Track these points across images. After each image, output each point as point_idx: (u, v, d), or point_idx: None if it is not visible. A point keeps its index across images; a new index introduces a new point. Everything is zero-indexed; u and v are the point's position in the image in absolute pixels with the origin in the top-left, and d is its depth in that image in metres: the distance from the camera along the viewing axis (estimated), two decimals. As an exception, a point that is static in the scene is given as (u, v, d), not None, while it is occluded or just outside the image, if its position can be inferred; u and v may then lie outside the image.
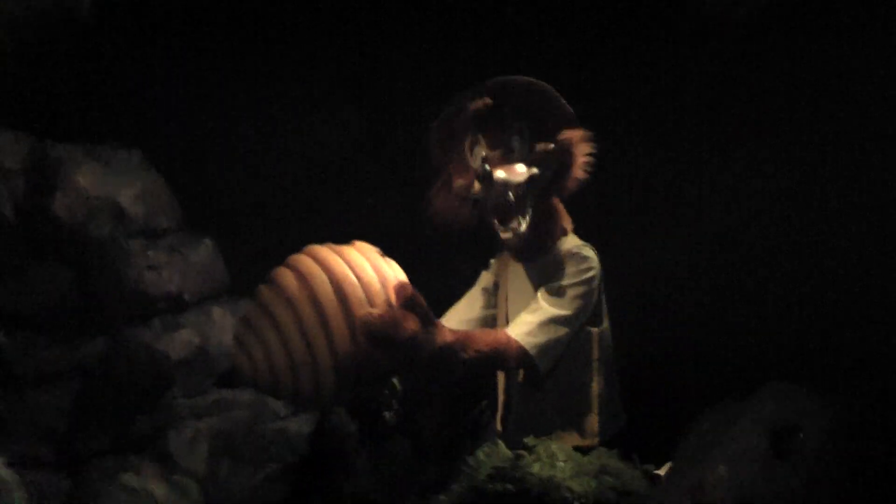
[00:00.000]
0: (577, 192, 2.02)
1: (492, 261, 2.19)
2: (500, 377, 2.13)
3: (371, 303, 1.73)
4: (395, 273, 1.80)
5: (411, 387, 2.13)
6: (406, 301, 1.76)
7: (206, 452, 2.34)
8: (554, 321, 1.96)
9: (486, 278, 2.19)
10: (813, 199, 2.36)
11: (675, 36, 2.45)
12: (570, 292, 1.99)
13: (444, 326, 1.86)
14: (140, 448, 2.30)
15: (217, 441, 2.37)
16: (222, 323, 2.49)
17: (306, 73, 2.67)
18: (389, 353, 1.74)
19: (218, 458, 2.35)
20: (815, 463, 1.67)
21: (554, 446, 1.83)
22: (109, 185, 2.41)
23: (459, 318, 2.14)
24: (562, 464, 1.78)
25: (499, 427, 2.11)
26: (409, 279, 1.81)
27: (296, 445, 2.40)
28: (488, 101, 2.00)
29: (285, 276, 1.75)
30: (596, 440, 1.98)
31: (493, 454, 1.82)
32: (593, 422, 2.01)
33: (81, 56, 2.46)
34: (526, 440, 1.86)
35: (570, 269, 2.01)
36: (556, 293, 1.99)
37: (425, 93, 2.23)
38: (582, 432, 2.01)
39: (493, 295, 2.17)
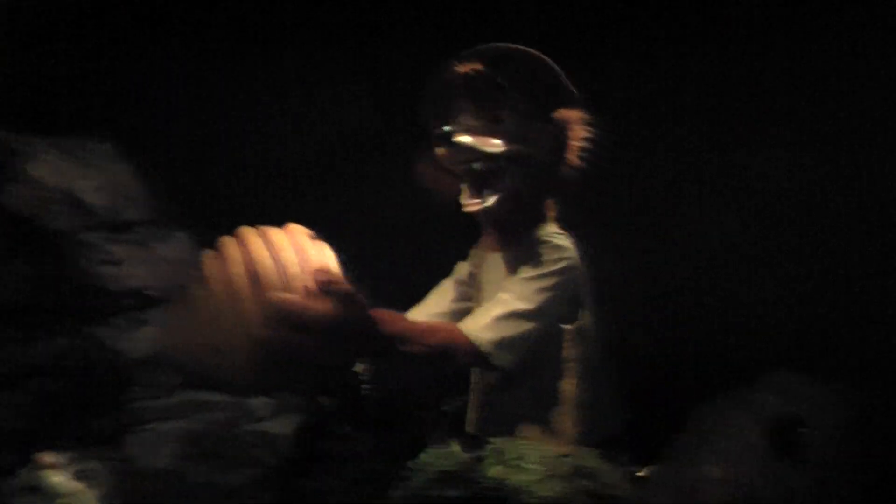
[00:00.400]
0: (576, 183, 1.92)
1: (471, 251, 2.08)
2: (473, 375, 2.02)
3: (286, 286, 1.61)
4: (321, 258, 1.67)
5: (381, 380, 2.05)
6: (324, 286, 1.61)
7: (171, 455, 2.22)
8: (514, 315, 1.83)
9: (462, 269, 2.08)
10: (816, 189, 2.35)
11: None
12: (536, 284, 1.86)
13: (388, 316, 1.72)
14: (99, 451, 2.18)
15: (188, 443, 2.25)
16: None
17: (310, 60, 2.62)
18: (307, 338, 1.60)
19: (190, 461, 2.24)
20: (823, 460, 1.57)
21: (524, 448, 1.72)
22: (68, 176, 2.30)
23: (428, 311, 2.03)
24: (531, 466, 1.66)
25: (469, 428, 2.01)
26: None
27: (277, 448, 2.28)
28: (478, 66, 1.90)
29: (208, 256, 1.67)
30: (570, 447, 1.82)
31: (441, 456, 1.69)
32: (567, 426, 1.89)
33: (64, 45, 2.44)
34: (494, 441, 1.75)
35: (539, 258, 1.88)
36: (521, 284, 1.86)
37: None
38: (557, 437, 1.89)
39: (470, 287, 2.05)
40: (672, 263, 2.46)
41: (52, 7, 2.42)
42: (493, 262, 2.00)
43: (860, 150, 2.32)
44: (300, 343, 1.59)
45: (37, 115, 2.40)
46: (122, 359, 2.23)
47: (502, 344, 1.82)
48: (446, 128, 1.87)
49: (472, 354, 1.81)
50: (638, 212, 2.51)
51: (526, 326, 1.84)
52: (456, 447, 1.73)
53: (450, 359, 1.81)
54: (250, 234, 1.66)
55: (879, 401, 1.68)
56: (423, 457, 1.71)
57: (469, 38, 2.53)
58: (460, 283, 2.08)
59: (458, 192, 1.96)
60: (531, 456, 1.69)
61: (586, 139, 1.93)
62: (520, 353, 1.84)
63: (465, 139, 1.87)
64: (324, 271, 1.63)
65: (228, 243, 1.65)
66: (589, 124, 1.93)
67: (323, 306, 1.59)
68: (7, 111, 2.36)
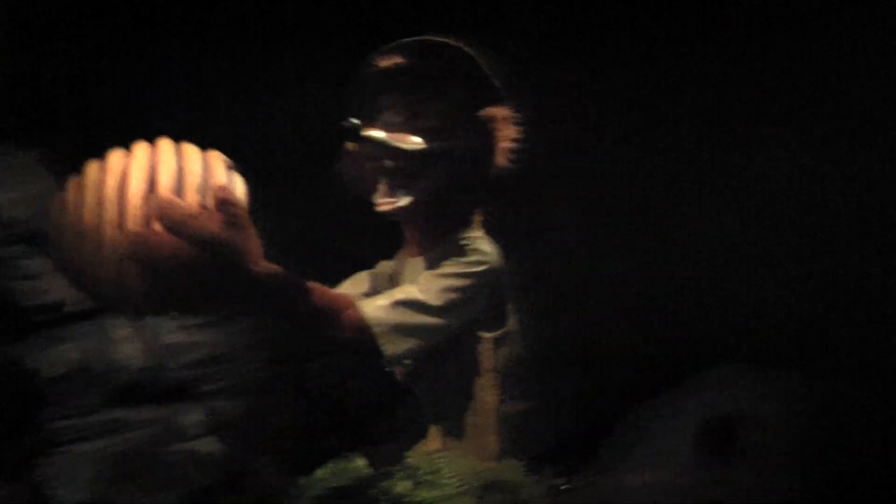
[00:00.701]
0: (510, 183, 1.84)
1: (398, 253, 2.01)
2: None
3: (181, 193, 1.49)
4: (231, 183, 1.56)
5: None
6: (220, 203, 1.49)
7: (89, 478, 2.10)
8: (413, 305, 1.74)
9: (384, 267, 2.00)
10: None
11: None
12: (445, 282, 1.77)
13: (279, 269, 1.58)
14: (12, 477, 2.08)
15: (109, 465, 2.12)
16: (117, 335, 2.18)
17: (278, 63, 2.57)
18: (186, 248, 1.45)
19: (111, 484, 2.11)
20: (767, 460, 1.48)
21: (442, 462, 1.65)
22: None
23: None
24: (446, 481, 1.59)
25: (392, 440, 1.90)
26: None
27: (207, 467, 2.15)
28: (399, 60, 1.84)
29: (115, 152, 1.56)
30: (493, 461, 1.77)
31: (340, 472, 1.63)
32: (491, 440, 1.81)
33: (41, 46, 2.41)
34: (410, 454, 1.69)
35: (454, 259, 1.81)
36: (430, 279, 1.78)
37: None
38: (478, 451, 1.79)
39: (388, 288, 1.93)
40: (643, 265, 2.40)
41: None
42: (415, 266, 1.92)
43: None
44: (177, 249, 1.46)
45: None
46: (37, 377, 2.12)
47: (395, 329, 1.72)
48: (354, 121, 1.80)
49: (358, 330, 1.69)
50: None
51: (425, 319, 1.75)
52: (360, 461, 1.66)
53: (333, 326, 1.67)
54: (163, 142, 1.57)
55: (839, 391, 1.60)
56: (319, 472, 1.64)
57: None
58: (377, 278, 1.99)
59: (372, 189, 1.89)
60: (447, 470, 1.63)
61: (516, 139, 1.86)
62: (414, 345, 1.74)
63: (375, 134, 1.80)
64: (222, 189, 1.51)
65: (140, 144, 1.56)
66: (518, 124, 1.86)
67: (212, 222, 1.47)
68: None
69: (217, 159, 1.59)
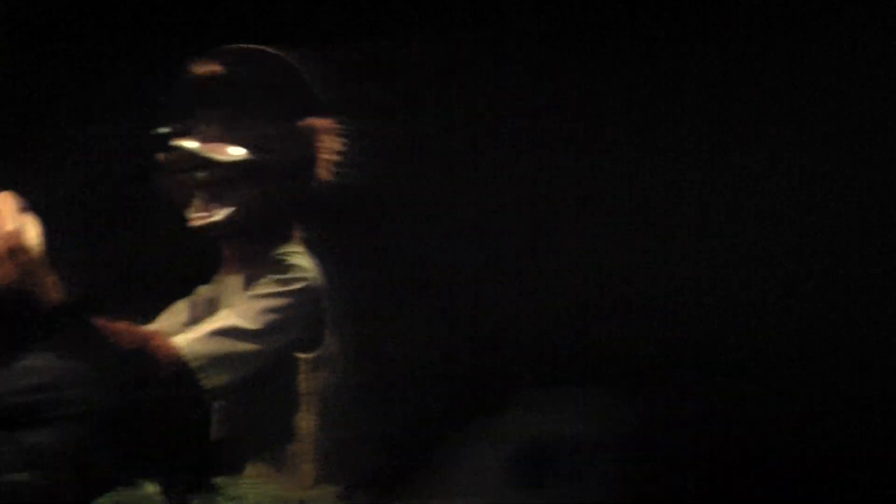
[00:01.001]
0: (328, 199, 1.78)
1: (216, 275, 1.92)
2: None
3: None
4: (21, 226, 1.49)
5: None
6: (9, 253, 1.44)
7: None
8: (231, 333, 1.65)
9: (201, 291, 1.91)
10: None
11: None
12: (263, 303, 1.69)
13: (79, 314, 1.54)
14: None
15: None
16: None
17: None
18: None
19: None
20: (582, 482, 1.45)
21: (247, 487, 1.60)
22: None
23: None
24: None
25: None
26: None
27: (23, 500, 2.12)
28: (215, 68, 1.78)
29: None
30: (306, 488, 1.72)
31: (126, 499, 1.57)
32: (307, 467, 1.74)
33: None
34: (216, 482, 1.63)
35: (271, 277, 1.73)
36: (247, 302, 1.70)
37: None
38: (294, 477, 1.73)
39: (208, 312, 1.83)
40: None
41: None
42: (233, 286, 1.84)
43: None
44: None
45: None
46: None
47: (214, 361, 1.64)
48: (162, 129, 1.76)
49: (175, 366, 1.62)
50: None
51: (246, 346, 1.67)
52: (151, 488, 1.60)
53: (148, 366, 1.60)
54: None
55: (656, 414, 1.55)
56: (100, 500, 1.58)
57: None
58: (196, 305, 1.90)
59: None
60: (252, 497, 1.58)
61: (340, 152, 1.81)
62: (236, 374, 1.67)
63: (186, 144, 1.76)
64: (14, 236, 1.46)
65: None
66: (342, 136, 1.82)
67: (1, 272, 1.43)
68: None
69: (7, 202, 1.53)
